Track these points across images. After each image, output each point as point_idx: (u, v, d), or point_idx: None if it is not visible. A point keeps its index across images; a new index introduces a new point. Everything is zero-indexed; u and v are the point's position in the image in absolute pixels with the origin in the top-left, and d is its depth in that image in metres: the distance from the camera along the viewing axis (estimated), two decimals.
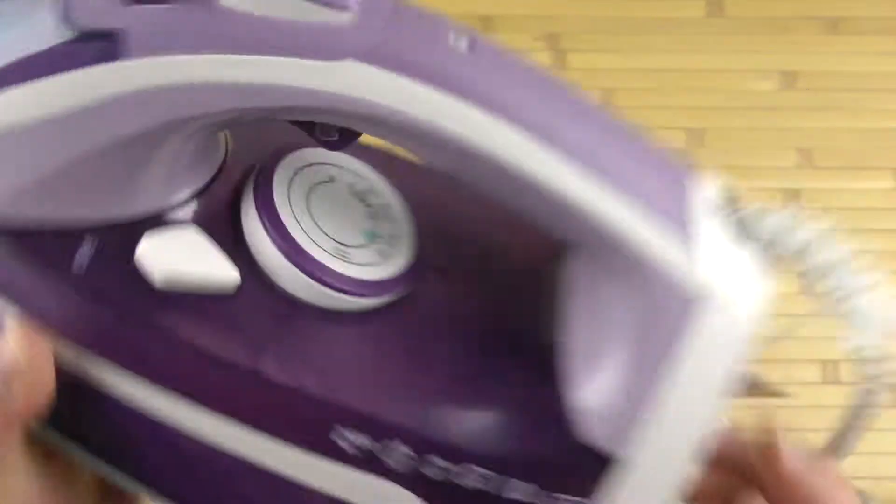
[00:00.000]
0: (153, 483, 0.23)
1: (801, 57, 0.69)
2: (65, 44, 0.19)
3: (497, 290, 0.24)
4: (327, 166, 0.23)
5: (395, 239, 0.22)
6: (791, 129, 0.67)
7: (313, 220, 0.22)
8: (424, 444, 0.21)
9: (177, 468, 0.22)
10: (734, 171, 0.71)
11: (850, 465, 0.62)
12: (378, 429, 0.21)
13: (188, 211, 0.21)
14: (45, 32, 0.19)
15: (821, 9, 0.70)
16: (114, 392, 0.20)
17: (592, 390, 0.22)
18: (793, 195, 0.65)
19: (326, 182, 0.23)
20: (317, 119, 0.21)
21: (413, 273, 0.22)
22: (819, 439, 0.61)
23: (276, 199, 0.21)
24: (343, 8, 0.18)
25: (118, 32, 0.18)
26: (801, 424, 0.62)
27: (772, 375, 0.64)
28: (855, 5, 0.70)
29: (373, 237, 0.22)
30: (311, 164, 0.23)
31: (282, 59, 0.19)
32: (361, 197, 0.23)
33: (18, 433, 0.21)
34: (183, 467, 0.22)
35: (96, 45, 0.18)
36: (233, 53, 0.19)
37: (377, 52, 0.19)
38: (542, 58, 0.69)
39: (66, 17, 0.18)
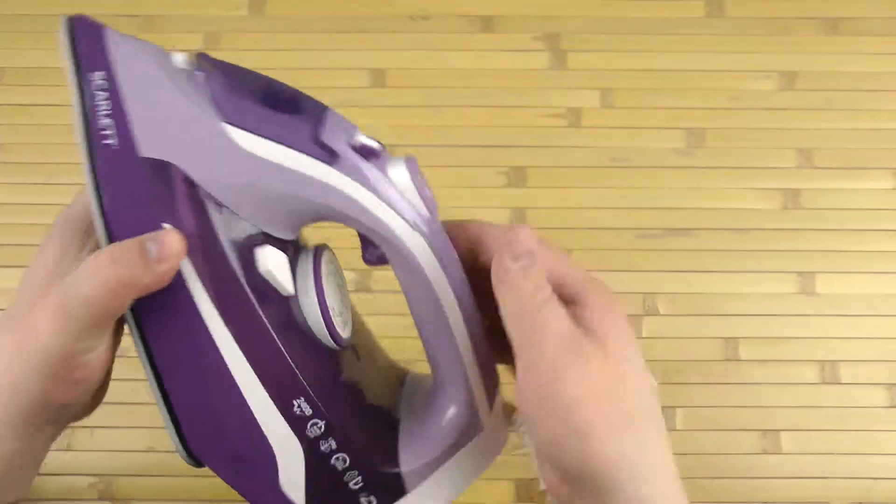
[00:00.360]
0: (155, 354, 0.34)
1: (801, 57, 0.69)
2: (308, 139, 0.34)
3: (378, 371, 0.41)
4: (337, 266, 0.40)
5: (346, 319, 0.39)
6: (791, 129, 0.67)
7: (327, 290, 0.37)
8: (332, 429, 0.35)
9: (183, 361, 0.34)
10: (734, 171, 0.71)
11: (850, 465, 0.63)
12: (318, 409, 0.35)
13: (284, 245, 0.36)
14: (303, 127, 0.34)
15: (821, 9, 0.70)
16: (190, 294, 0.33)
17: (412, 449, 0.38)
18: (793, 195, 0.65)
19: (335, 273, 0.39)
20: (380, 246, 0.36)
21: (348, 342, 0.38)
22: (819, 440, 0.61)
23: (322, 271, 0.37)
24: (431, 213, 0.36)
25: (339, 153, 0.34)
26: (801, 424, 0.63)
27: (771, 376, 0.64)
28: (855, 5, 0.70)
29: (342, 313, 0.38)
30: (332, 261, 0.39)
31: (394, 213, 0.35)
32: (341, 289, 0.39)
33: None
34: (188, 361, 0.34)
35: (324, 151, 0.34)
36: (375, 196, 0.34)
37: (431, 238, 0.36)
38: (542, 58, 0.69)
39: (318, 132, 0.34)
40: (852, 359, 0.61)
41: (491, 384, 0.38)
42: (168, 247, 0.31)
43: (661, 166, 0.66)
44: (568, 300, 0.34)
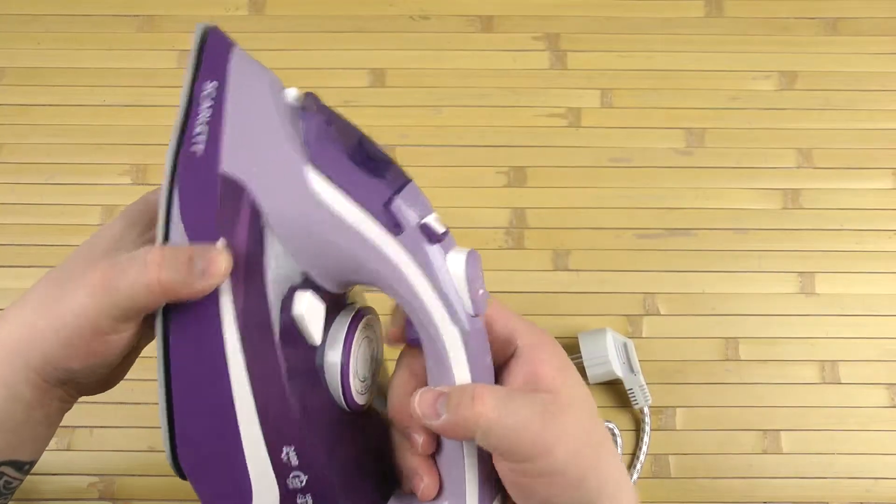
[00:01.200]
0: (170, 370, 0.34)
1: (800, 57, 0.69)
2: (379, 204, 0.34)
3: (383, 450, 0.40)
4: (377, 334, 0.39)
5: (367, 388, 0.38)
6: (791, 129, 0.67)
7: (355, 352, 0.37)
8: (312, 487, 0.35)
9: (193, 372, 0.34)
10: (734, 171, 0.71)
11: (850, 465, 0.63)
12: (305, 464, 0.35)
13: (332, 297, 0.37)
14: (379, 191, 0.34)
15: (821, 9, 0.70)
16: (219, 311, 0.33)
17: None
18: (793, 195, 0.65)
19: (370, 339, 0.39)
20: (416, 327, 0.36)
21: (360, 409, 0.38)
22: (819, 440, 0.61)
23: (356, 334, 0.37)
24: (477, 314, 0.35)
25: (404, 226, 0.34)
26: (801, 424, 0.63)
27: (771, 376, 0.64)
28: (855, 5, 0.70)
29: (365, 379, 0.38)
30: (372, 328, 0.39)
31: (437, 300, 0.34)
32: (372, 357, 0.39)
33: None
34: (198, 374, 0.34)
35: (390, 220, 0.34)
36: (425, 278, 0.34)
37: (468, 336, 0.35)
38: (542, 58, 0.69)
39: (391, 200, 0.34)
40: (852, 359, 0.61)
41: (487, 492, 0.37)
42: (214, 266, 0.32)
43: (661, 166, 0.66)
44: (516, 350, 0.37)
